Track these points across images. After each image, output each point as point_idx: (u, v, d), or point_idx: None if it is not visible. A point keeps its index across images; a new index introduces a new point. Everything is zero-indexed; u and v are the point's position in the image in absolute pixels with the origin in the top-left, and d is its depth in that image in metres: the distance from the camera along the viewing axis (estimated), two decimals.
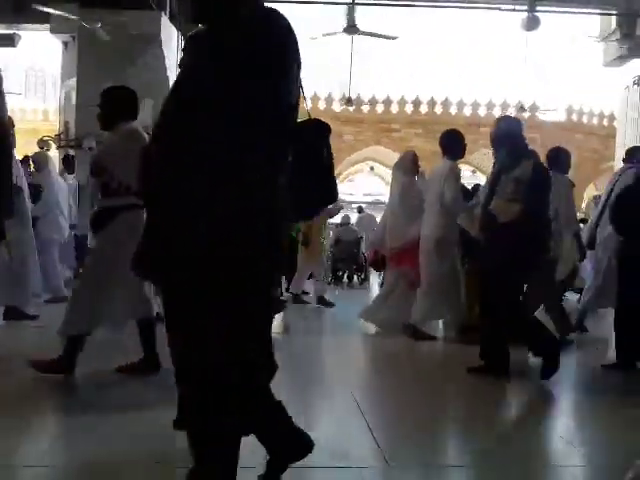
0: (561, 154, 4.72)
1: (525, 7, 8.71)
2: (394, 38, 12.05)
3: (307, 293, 6.83)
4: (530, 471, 2.26)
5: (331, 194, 1.67)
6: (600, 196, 5.89)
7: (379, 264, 5.70)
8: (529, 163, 3.43)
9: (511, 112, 18.83)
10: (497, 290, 3.42)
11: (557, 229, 4.40)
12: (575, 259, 4.79)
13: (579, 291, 6.25)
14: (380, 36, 11.29)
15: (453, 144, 4.56)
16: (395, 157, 18.41)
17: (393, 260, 4.95)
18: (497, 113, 18.92)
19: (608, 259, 4.65)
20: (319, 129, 1.64)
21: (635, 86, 9.90)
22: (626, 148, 9.96)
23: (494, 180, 3.57)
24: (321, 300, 6.35)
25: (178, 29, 8.73)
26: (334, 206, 9.96)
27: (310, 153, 1.57)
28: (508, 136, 3.57)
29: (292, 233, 6.72)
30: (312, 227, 6.25)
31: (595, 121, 19.12)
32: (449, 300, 4.49)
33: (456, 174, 4.48)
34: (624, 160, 5.09)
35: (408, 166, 4.98)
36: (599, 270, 4.92)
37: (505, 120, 3.98)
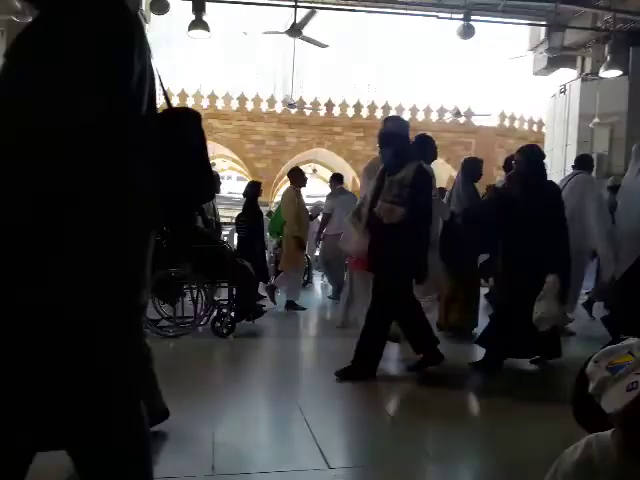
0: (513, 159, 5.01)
1: (461, 16, 9.03)
2: (325, 46, 12.19)
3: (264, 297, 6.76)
4: (472, 469, 2.36)
5: (207, 189, 1.49)
6: None
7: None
8: (412, 166, 3.42)
9: (448, 117, 19.52)
10: (386, 291, 3.45)
11: None
12: None
13: None
14: (314, 42, 11.39)
15: (423, 148, 4.68)
16: (337, 160, 18.70)
17: (360, 263, 5.01)
18: (434, 118, 19.53)
19: None
20: (186, 118, 1.46)
21: (561, 94, 10.47)
22: (553, 153, 10.50)
23: (379, 181, 3.58)
24: (291, 304, 6.32)
25: None
26: (315, 208, 9.77)
27: (178, 145, 1.38)
28: (395, 137, 3.51)
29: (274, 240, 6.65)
30: (304, 231, 6.23)
31: (526, 127, 20.05)
32: (429, 300, 4.63)
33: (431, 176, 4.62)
34: (573, 167, 5.41)
35: (374, 170, 5.06)
36: None
37: (392, 120, 3.90)
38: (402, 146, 3.51)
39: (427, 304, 4.61)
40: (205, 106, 18.38)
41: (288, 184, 6.73)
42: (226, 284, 4.81)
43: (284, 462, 2.25)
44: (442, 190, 5.22)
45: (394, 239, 3.37)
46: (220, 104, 18.61)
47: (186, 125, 1.41)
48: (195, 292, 4.78)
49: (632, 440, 1.03)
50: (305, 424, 2.64)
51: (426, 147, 4.69)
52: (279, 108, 18.74)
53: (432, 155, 4.72)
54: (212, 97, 18.62)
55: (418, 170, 3.43)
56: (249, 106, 18.74)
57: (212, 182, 1.48)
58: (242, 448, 2.40)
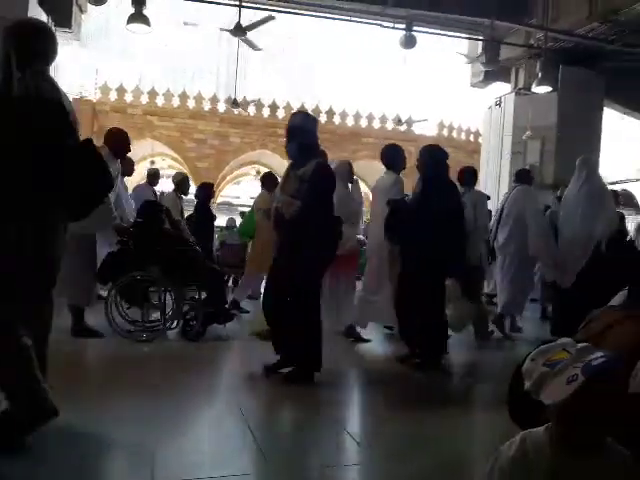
0: (470, 170, 5.35)
1: (404, 26, 9.25)
2: (259, 49, 12.27)
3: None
4: (408, 469, 2.39)
5: (97, 183, 1.40)
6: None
7: None
8: (314, 161, 3.40)
9: (389, 125, 19.94)
10: (288, 289, 3.39)
11: (476, 238, 4.93)
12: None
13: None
14: (249, 44, 11.39)
15: (396, 158, 4.77)
16: (281, 162, 18.61)
17: (344, 264, 4.99)
18: (377, 125, 19.89)
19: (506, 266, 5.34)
20: (42, 110, 1.36)
21: (497, 107, 10.92)
22: (489, 163, 10.92)
23: (284, 176, 3.58)
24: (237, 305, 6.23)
25: (48, 13, 8.05)
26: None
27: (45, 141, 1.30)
28: (302, 132, 3.47)
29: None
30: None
31: (463, 136, 20.79)
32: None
33: (401, 186, 4.69)
34: (514, 181, 5.81)
35: (345, 175, 5.07)
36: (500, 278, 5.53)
37: (300, 116, 3.85)
38: (307, 141, 3.47)
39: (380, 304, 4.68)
40: (144, 102, 17.87)
41: (259, 188, 6.72)
42: (195, 287, 4.67)
43: (226, 467, 2.21)
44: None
45: (295, 237, 3.34)
46: (160, 101, 18.14)
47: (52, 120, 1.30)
48: (163, 295, 4.61)
49: (566, 433, 1.09)
50: (248, 428, 2.60)
51: (396, 157, 4.80)
52: (222, 107, 18.49)
53: (401, 164, 4.83)
54: (152, 93, 18.12)
55: (318, 166, 3.39)
56: (191, 104, 18.38)
57: (97, 175, 1.36)
58: (182, 453, 2.33)
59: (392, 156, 4.80)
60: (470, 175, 5.29)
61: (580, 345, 1.12)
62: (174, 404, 2.94)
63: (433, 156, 4.00)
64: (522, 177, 5.67)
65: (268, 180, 6.56)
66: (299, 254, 3.31)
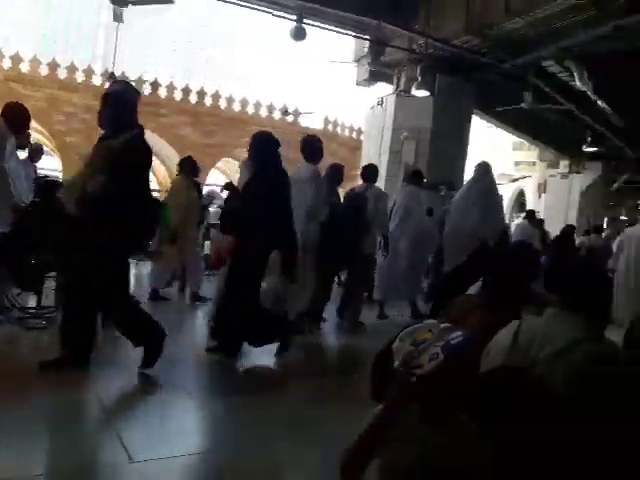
0: (372, 168, 5.87)
1: (294, 17, 9.25)
2: (122, 22, 11.84)
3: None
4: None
5: None
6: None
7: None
8: (129, 134, 3.19)
9: (276, 114, 19.97)
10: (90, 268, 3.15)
11: (374, 230, 5.45)
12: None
13: None
14: (116, 15, 10.88)
15: (313, 150, 4.78)
16: (162, 143, 17.83)
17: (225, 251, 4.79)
18: (264, 113, 19.81)
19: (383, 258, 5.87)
20: None
21: (378, 106, 11.36)
22: (369, 160, 11.38)
23: (94, 147, 3.33)
24: (196, 296, 5.98)
25: None
26: (208, 196, 8.84)
27: None
28: (119, 102, 3.26)
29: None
30: (186, 221, 5.86)
31: (347, 133, 21.42)
32: (310, 293, 4.80)
33: (319, 178, 4.74)
34: (407, 179, 6.50)
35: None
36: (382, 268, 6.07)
37: (121, 85, 3.58)
38: (124, 113, 3.26)
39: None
40: (6, 67, 16.10)
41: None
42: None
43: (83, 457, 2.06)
44: None
45: (96, 214, 3.06)
46: (25, 67, 16.45)
47: None
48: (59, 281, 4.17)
49: (424, 407, 1.16)
50: (107, 420, 2.45)
51: (314, 148, 4.79)
52: (97, 80, 17.21)
53: (320, 155, 4.84)
54: (16, 58, 16.35)
55: (129, 139, 3.15)
56: (61, 74, 16.88)
57: None
58: (28, 447, 2.13)
59: (309, 148, 4.82)
60: (372, 172, 5.80)
61: (442, 326, 1.19)
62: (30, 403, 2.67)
63: (262, 143, 3.99)
64: (413, 178, 6.29)
65: (187, 164, 6.18)
66: (101, 232, 3.05)
